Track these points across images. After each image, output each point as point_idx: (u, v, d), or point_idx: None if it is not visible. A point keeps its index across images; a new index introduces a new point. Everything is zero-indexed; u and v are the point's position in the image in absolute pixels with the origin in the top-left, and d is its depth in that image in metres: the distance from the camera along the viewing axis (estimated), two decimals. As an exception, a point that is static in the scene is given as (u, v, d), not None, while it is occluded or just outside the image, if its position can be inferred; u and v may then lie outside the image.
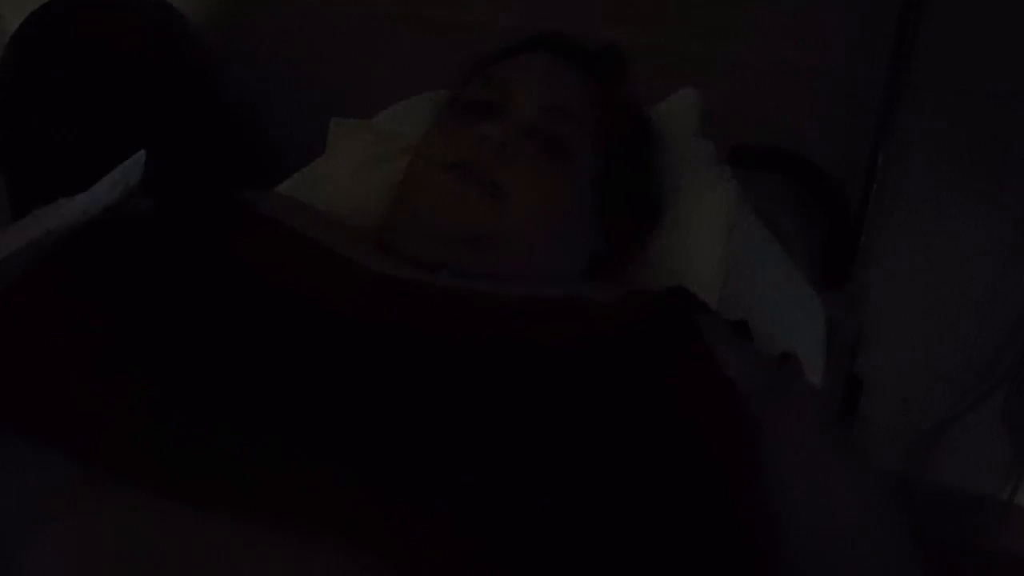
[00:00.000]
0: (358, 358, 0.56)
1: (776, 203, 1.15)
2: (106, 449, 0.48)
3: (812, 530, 0.59)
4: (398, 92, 1.20)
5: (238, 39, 1.71)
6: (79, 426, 0.50)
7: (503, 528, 0.47)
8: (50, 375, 0.53)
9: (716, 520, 0.53)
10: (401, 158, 0.98)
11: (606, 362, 0.60)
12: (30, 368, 0.54)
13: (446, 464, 0.49)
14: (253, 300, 0.60)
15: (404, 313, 0.63)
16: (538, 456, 0.51)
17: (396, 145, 1.04)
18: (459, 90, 0.89)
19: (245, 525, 0.44)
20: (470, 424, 0.52)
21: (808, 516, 0.60)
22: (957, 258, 1.39)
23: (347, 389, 0.53)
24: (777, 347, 0.79)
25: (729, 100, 1.20)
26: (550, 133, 0.81)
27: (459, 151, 0.79)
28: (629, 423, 0.56)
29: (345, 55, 1.64)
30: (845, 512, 0.62)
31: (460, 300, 0.66)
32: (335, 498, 0.46)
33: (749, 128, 1.30)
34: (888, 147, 1.26)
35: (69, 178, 0.79)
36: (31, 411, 0.51)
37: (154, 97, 1.55)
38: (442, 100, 0.94)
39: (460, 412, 0.53)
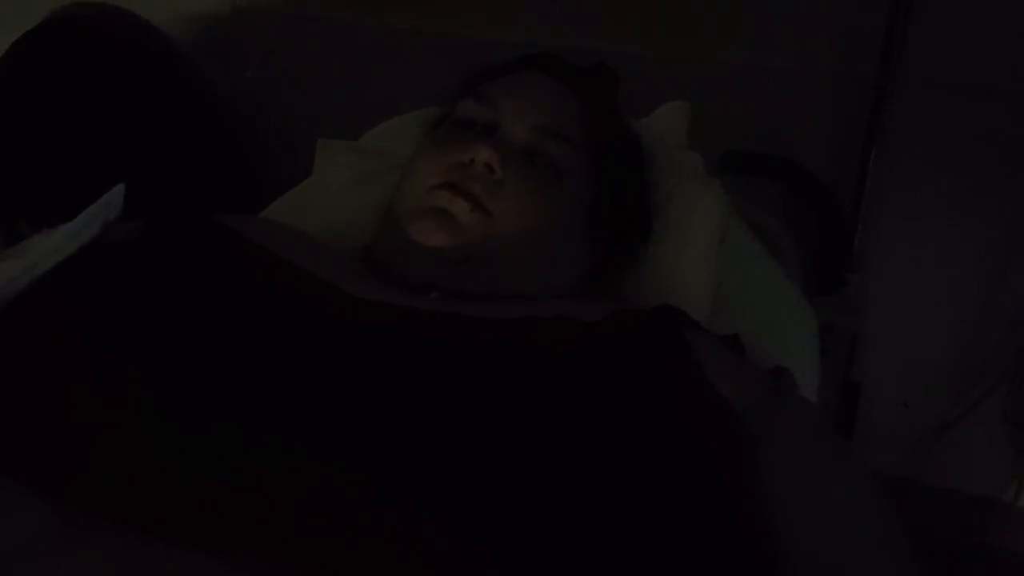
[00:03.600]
0: (345, 379, 0.56)
1: (768, 208, 1.14)
2: (89, 488, 0.48)
3: (811, 540, 0.59)
4: (396, 107, 1.19)
5: (231, 58, 1.71)
6: (62, 466, 0.49)
7: (503, 546, 0.47)
8: (27, 414, 0.53)
9: (709, 534, 0.53)
10: (389, 177, 0.98)
11: (595, 380, 0.60)
12: (7, 407, 0.53)
13: (436, 477, 0.49)
14: (235, 330, 0.59)
15: (391, 340, 0.62)
16: (529, 466, 0.51)
17: (383, 164, 1.04)
18: (449, 108, 0.89)
19: (235, 564, 0.44)
20: (460, 436, 0.52)
21: (807, 526, 0.60)
22: (952, 258, 1.39)
23: (335, 413, 0.53)
24: (770, 358, 0.79)
25: (720, 105, 1.20)
26: (541, 153, 0.81)
27: (450, 170, 0.78)
28: (620, 438, 0.56)
29: (342, 70, 1.64)
30: (844, 521, 0.62)
31: (446, 325, 0.65)
32: (324, 536, 0.45)
33: (740, 132, 1.30)
34: (879, 149, 1.25)
35: (57, 200, 0.79)
36: (10, 452, 0.51)
37: (146, 118, 1.55)
38: (430, 118, 0.94)
39: (448, 424, 0.53)
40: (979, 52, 1.24)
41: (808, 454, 0.66)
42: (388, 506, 0.47)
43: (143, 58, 1.58)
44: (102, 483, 0.48)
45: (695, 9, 1.39)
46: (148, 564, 0.44)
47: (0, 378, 0.55)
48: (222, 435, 0.50)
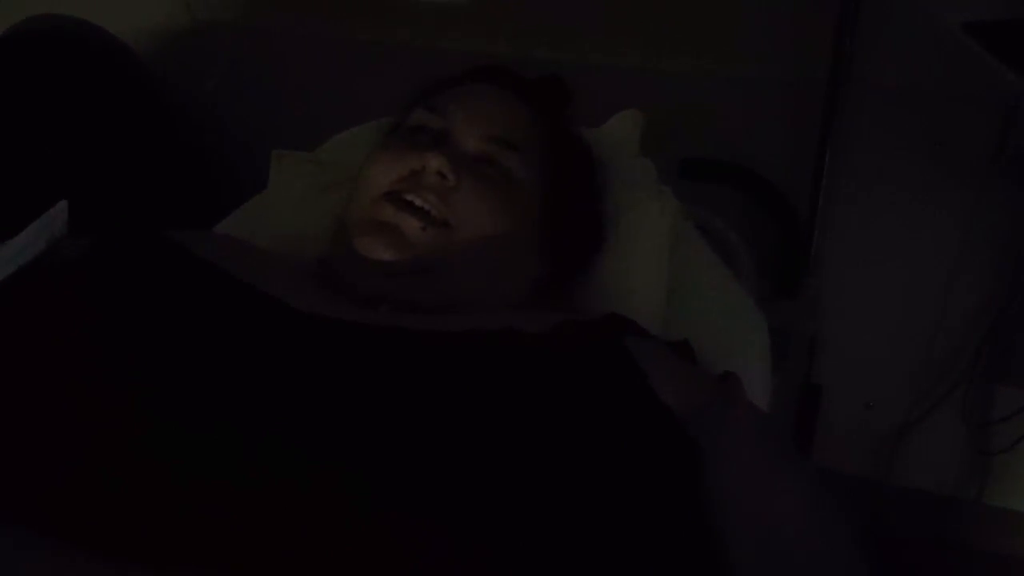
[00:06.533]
0: (288, 396, 0.56)
1: (725, 215, 1.15)
2: (74, 520, 0.48)
3: (757, 544, 0.60)
4: (358, 118, 1.19)
5: (192, 71, 1.71)
6: (43, 498, 0.49)
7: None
8: (10, 447, 0.52)
9: (654, 541, 0.54)
10: (345, 188, 0.98)
11: (537, 393, 0.60)
12: None
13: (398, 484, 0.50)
14: (176, 349, 0.59)
15: (333, 356, 0.62)
16: (476, 475, 0.52)
17: (339, 175, 1.04)
18: (399, 118, 0.89)
19: None
20: (414, 446, 0.53)
21: (751, 531, 0.60)
22: (909, 259, 1.41)
23: (286, 435, 0.53)
24: (720, 363, 0.80)
25: (676, 113, 1.21)
26: (492, 163, 0.82)
27: (400, 179, 0.79)
28: (561, 450, 0.56)
29: (303, 82, 1.65)
30: (790, 525, 0.62)
31: (391, 339, 0.66)
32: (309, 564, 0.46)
33: (697, 140, 1.31)
34: (833, 153, 1.27)
35: (16, 213, 0.79)
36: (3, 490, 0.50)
37: (108, 131, 1.55)
38: (384, 128, 0.95)
39: (401, 435, 0.54)
40: (929, 56, 1.26)
41: (753, 459, 0.67)
42: (381, 511, 0.48)
43: (105, 71, 1.58)
44: (76, 509, 0.48)
45: (650, 20, 1.40)
46: None
47: None
48: (185, 451, 0.50)
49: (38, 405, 0.54)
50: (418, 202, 0.77)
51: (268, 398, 0.55)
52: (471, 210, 0.79)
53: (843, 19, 1.19)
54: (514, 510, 0.51)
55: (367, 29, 1.59)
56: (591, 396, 0.62)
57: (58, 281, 0.66)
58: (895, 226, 1.39)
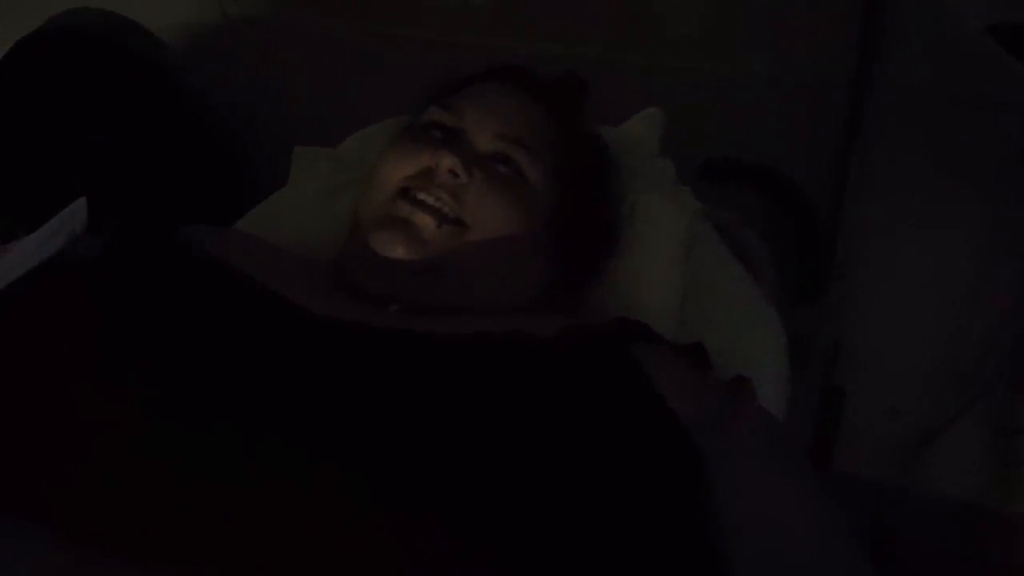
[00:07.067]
0: (291, 404, 0.56)
1: (746, 217, 1.14)
2: (77, 518, 0.48)
3: (759, 549, 0.59)
4: (388, 116, 1.20)
5: (222, 67, 1.72)
6: (46, 495, 0.50)
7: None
8: (15, 444, 0.53)
9: (654, 545, 0.55)
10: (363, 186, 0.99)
11: (542, 399, 0.61)
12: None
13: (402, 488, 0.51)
14: (182, 351, 0.60)
15: (336, 357, 0.63)
16: (482, 479, 0.53)
17: (358, 173, 1.04)
18: (414, 117, 0.89)
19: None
20: (417, 452, 0.53)
21: (754, 535, 0.60)
22: (933, 264, 1.39)
23: (287, 435, 0.53)
24: (735, 367, 0.79)
25: (699, 114, 1.21)
26: (506, 163, 0.82)
27: (413, 176, 0.79)
28: (564, 456, 0.56)
29: (334, 79, 1.65)
30: (792, 529, 0.62)
31: (398, 343, 0.66)
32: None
33: (720, 141, 1.30)
34: (858, 156, 1.26)
35: (47, 207, 0.80)
36: (7, 486, 0.51)
37: (140, 126, 1.56)
38: (402, 126, 0.95)
39: (405, 439, 0.54)
40: (953, 59, 1.24)
41: (757, 463, 0.66)
42: (382, 511, 0.49)
43: (137, 66, 1.60)
44: (78, 507, 0.49)
45: (673, 18, 1.39)
46: None
47: None
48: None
49: (42, 403, 0.55)
50: (430, 200, 0.78)
51: (269, 398, 0.56)
52: (483, 207, 0.79)
53: (868, 22, 1.17)
54: (514, 511, 0.51)
55: (396, 26, 1.59)
56: (595, 401, 0.62)
57: (70, 280, 0.67)
58: (919, 230, 1.37)
